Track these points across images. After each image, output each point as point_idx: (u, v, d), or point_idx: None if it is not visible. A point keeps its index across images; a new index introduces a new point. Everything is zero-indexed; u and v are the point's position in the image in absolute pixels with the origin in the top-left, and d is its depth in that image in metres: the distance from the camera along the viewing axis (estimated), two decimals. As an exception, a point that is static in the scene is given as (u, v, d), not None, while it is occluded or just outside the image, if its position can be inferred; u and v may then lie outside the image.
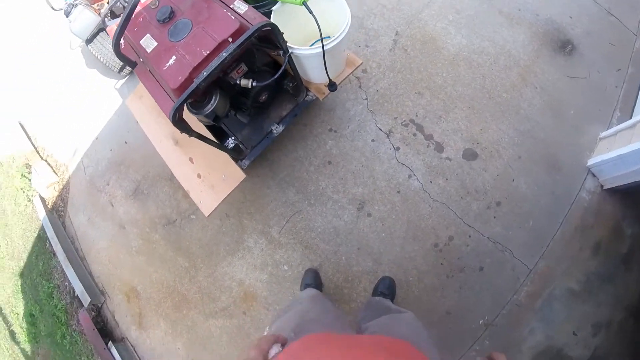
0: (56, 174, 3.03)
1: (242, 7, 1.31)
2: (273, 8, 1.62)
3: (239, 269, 2.18)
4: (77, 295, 2.55)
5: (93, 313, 2.41)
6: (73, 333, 2.57)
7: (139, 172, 2.61)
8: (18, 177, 3.20)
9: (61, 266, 2.68)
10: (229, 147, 1.82)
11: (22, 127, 3.42)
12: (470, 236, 1.91)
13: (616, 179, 1.84)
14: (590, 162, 1.93)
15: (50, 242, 2.81)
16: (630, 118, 1.92)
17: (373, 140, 2.12)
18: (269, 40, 1.41)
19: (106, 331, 2.38)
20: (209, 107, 1.39)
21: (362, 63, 1.94)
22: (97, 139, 2.88)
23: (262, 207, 2.19)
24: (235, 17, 1.26)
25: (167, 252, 2.36)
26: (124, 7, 2.46)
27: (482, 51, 2.21)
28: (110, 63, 2.84)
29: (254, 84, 1.43)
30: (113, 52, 2.63)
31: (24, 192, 3.13)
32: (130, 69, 2.87)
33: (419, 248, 1.94)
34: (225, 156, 1.85)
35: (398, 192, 2.02)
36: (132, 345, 2.32)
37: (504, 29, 2.26)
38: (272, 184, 2.19)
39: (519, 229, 1.90)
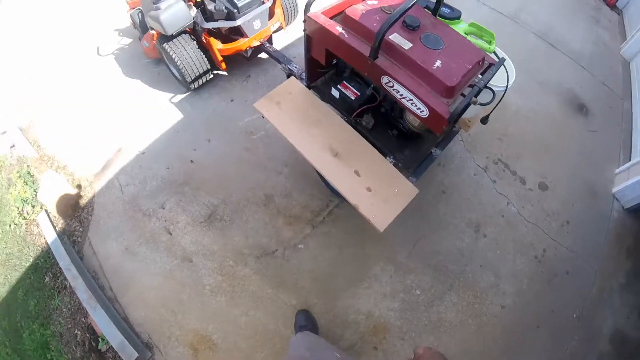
0: (73, 187, 2.48)
1: None
2: None
3: (365, 300, 2.10)
4: (101, 348, 1.95)
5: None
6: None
7: (214, 195, 2.39)
8: (15, 183, 2.50)
9: (72, 306, 2.13)
10: None
11: (21, 131, 2.79)
12: (556, 248, 2.48)
13: (632, 200, 2.66)
14: (614, 189, 2.75)
15: (58, 274, 2.21)
16: (630, 158, 2.84)
17: (475, 174, 2.59)
18: None
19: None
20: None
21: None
22: (142, 153, 2.57)
23: (384, 235, 2.22)
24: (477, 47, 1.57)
25: (262, 288, 2.11)
26: (224, 10, 2.38)
27: (532, 109, 2.98)
28: (186, 69, 2.52)
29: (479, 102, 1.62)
30: (193, 58, 2.58)
31: (21, 203, 2.46)
32: (197, 84, 2.72)
33: (526, 260, 2.40)
34: (391, 171, 1.85)
35: (502, 216, 2.49)
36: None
37: (542, 95, 3.08)
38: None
39: (583, 240, 2.54)
